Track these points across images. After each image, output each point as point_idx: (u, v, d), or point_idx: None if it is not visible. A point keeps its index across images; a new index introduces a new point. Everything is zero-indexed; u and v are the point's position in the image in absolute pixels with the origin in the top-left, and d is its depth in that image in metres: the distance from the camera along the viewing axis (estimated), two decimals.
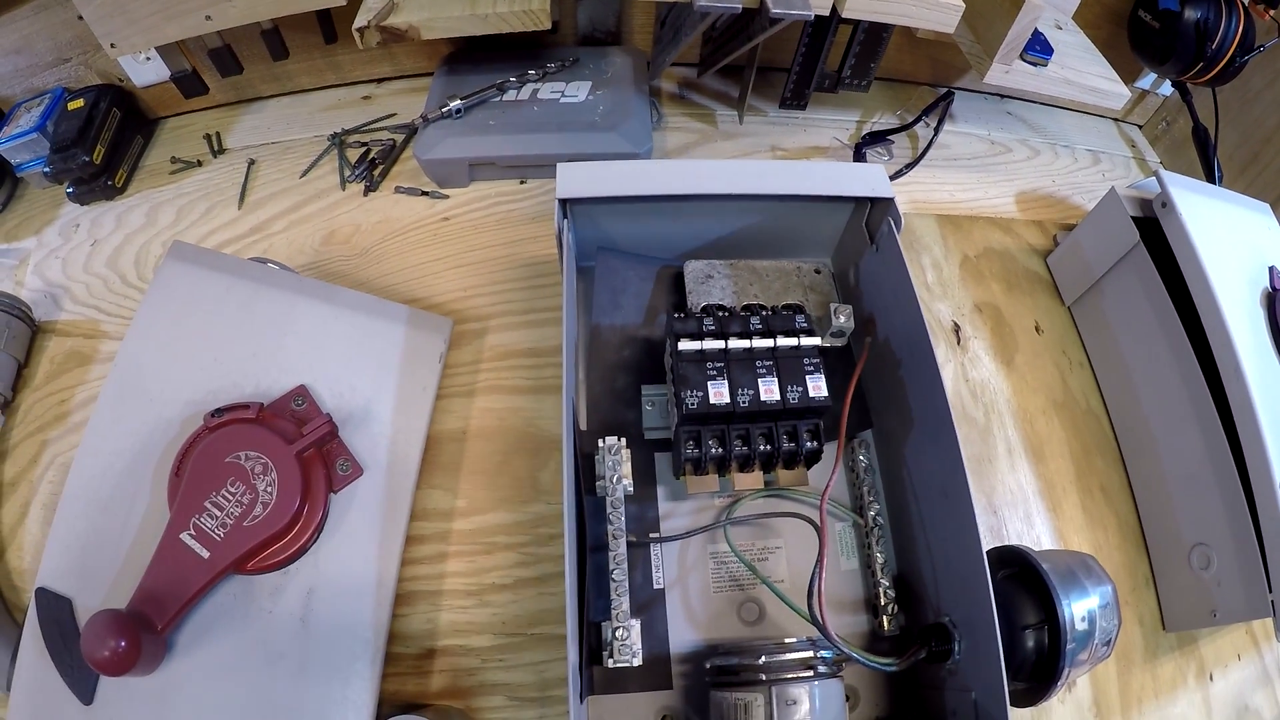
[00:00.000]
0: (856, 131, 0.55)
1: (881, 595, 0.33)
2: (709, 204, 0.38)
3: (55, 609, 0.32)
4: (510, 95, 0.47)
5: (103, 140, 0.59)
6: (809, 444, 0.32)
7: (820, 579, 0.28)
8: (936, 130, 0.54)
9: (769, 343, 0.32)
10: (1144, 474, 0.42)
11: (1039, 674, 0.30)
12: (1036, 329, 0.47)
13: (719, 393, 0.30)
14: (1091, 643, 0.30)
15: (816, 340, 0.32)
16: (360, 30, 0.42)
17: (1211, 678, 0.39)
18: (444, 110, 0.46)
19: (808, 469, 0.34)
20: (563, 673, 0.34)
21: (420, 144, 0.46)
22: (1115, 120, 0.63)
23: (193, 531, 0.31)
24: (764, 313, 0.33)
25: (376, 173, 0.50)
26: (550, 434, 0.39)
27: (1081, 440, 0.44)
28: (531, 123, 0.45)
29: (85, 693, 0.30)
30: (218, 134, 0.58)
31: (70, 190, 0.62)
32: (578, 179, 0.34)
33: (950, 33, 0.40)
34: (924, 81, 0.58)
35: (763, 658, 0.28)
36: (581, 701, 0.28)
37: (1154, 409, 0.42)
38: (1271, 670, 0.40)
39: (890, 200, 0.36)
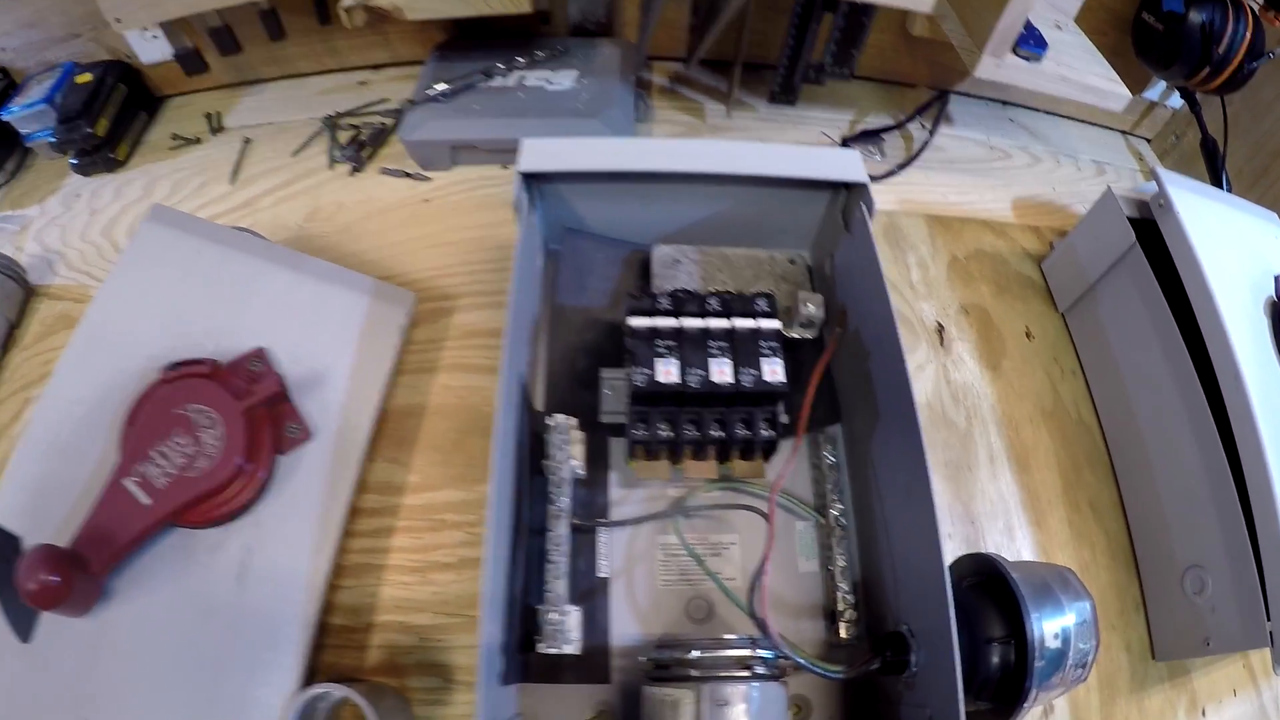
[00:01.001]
0: (849, 130, 0.53)
1: (840, 600, 0.31)
2: (680, 186, 0.36)
3: (2, 545, 0.32)
4: (498, 82, 0.47)
5: (106, 114, 0.60)
6: (765, 433, 0.30)
7: (765, 573, 0.25)
8: (932, 132, 0.52)
9: (725, 323, 0.30)
10: (1137, 490, 0.39)
11: (1003, 694, 0.27)
12: (1027, 334, 0.44)
13: (667, 371, 0.28)
14: (1065, 664, 0.27)
15: (776, 324, 0.30)
16: (348, 10, 0.42)
17: (1204, 713, 0.35)
18: (429, 93, 0.45)
19: (765, 461, 0.32)
20: None
21: (405, 126, 0.46)
22: (1123, 133, 0.60)
23: (137, 479, 0.31)
24: (725, 296, 0.32)
25: (364, 154, 0.49)
26: None
27: (1071, 452, 0.41)
28: (515, 108, 0.44)
29: (24, 630, 0.30)
30: (218, 113, 0.59)
31: (74, 161, 0.63)
32: (542, 153, 0.33)
33: (928, 12, 0.38)
34: (921, 83, 0.56)
35: (694, 652, 0.25)
36: (505, 684, 0.26)
37: (1149, 422, 0.38)
38: (1270, 709, 0.36)
39: (864, 186, 0.34)
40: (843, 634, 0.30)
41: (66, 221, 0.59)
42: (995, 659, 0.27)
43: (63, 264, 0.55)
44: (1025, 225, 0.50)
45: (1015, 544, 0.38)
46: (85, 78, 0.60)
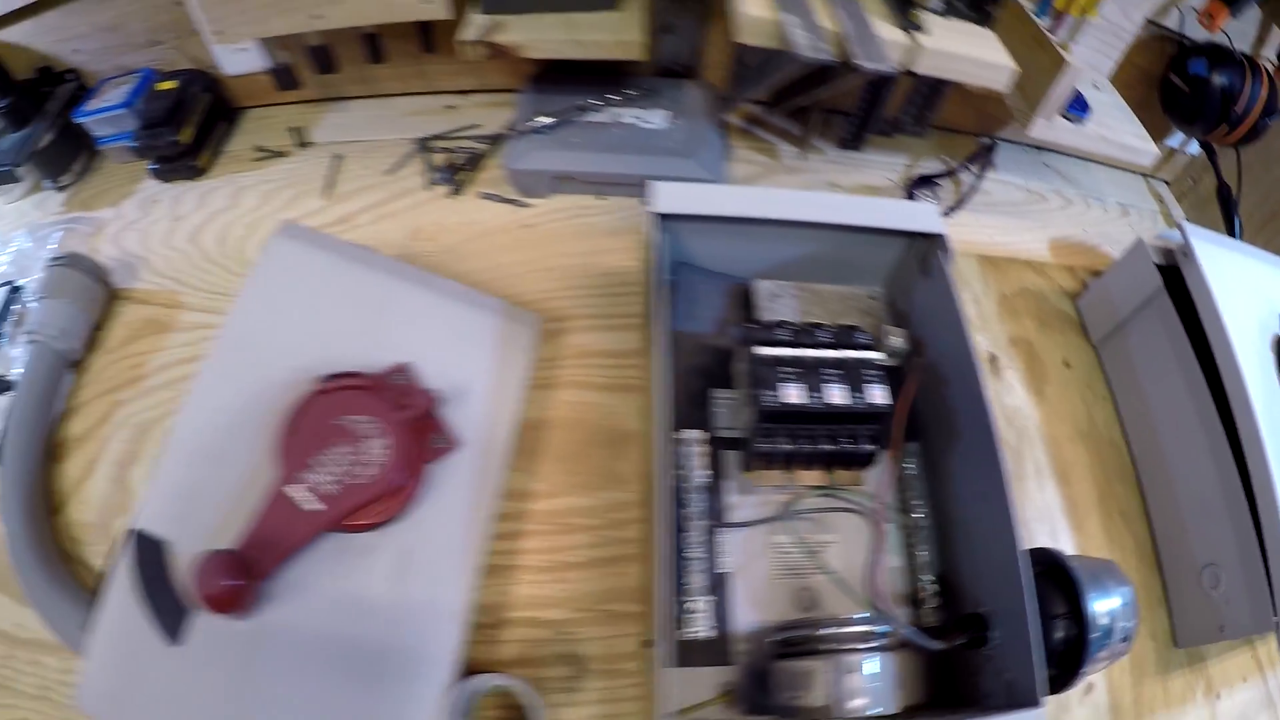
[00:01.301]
0: (904, 173, 0.62)
1: (923, 589, 0.39)
2: (781, 229, 0.44)
3: (151, 551, 0.35)
4: (593, 116, 0.54)
5: (190, 122, 0.66)
6: (867, 447, 0.38)
7: (879, 563, 0.34)
8: (979, 177, 0.62)
9: (836, 353, 0.38)
10: (1160, 500, 0.48)
11: (1064, 663, 0.36)
12: (1065, 364, 0.54)
13: (792, 393, 0.37)
14: (1113, 638, 0.36)
15: (881, 355, 0.39)
16: (467, 43, 0.49)
17: (1219, 696, 0.45)
18: (533, 125, 0.53)
19: (862, 471, 0.40)
20: (628, 648, 0.39)
21: (509, 154, 0.53)
22: (1144, 176, 0.71)
23: (301, 486, 0.35)
24: (830, 329, 0.40)
25: (461, 178, 0.56)
26: (625, 429, 0.44)
27: (1104, 467, 0.50)
28: (614, 143, 0.52)
29: (175, 633, 0.33)
30: (301, 128, 0.65)
31: (153, 167, 0.69)
32: (674, 196, 0.40)
33: (1001, 90, 0.47)
34: (969, 131, 0.66)
35: (824, 630, 0.33)
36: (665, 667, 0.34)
37: (1171, 441, 0.48)
38: (1274, 693, 0.46)
39: (942, 236, 0.42)
40: (926, 617, 0.39)
41: (146, 226, 0.64)
42: (1059, 633, 0.35)
43: (146, 269, 0.60)
44: (1061, 264, 0.60)
45: (1059, 544, 0.47)
46: (168, 85, 0.66)
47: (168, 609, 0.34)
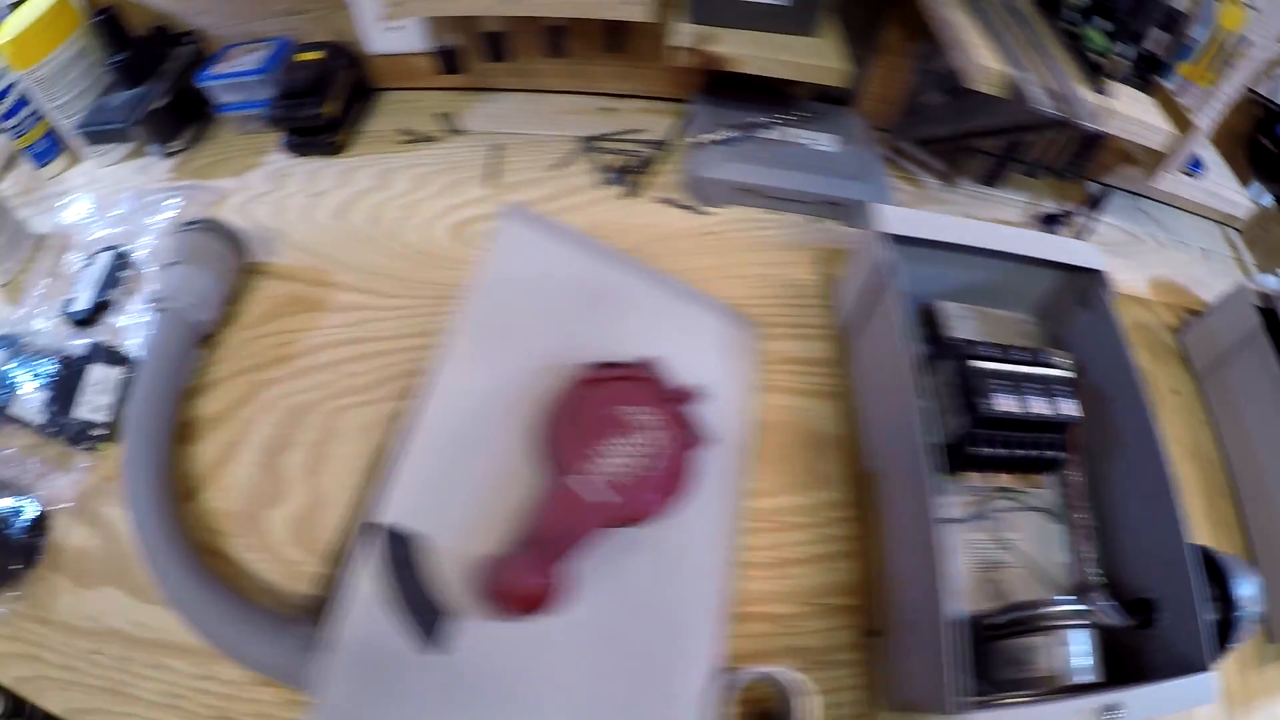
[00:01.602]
0: (1026, 210, 0.73)
1: (1091, 580, 0.49)
2: (962, 255, 0.54)
3: (402, 548, 0.34)
4: (768, 133, 0.62)
5: (336, 97, 0.70)
6: (1057, 454, 0.48)
7: (1084, 550, 0.43)
8: (1094, 219, 0.73)
9: (1032, 369, 0.48)
10: (1256, 512, 0.60)
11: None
12: (1174, 392, 0.65)
13: (1005, 403, 0.46)
14: (1251, 618, 0.46)
15: (1070, 373, 0.48)
16: (677, 48, 0.56)
17: None
18: (716, 136, 0.61)
19: (1044, 475, 0.50)
20: (845, 640, 0.45)
21: (694, 161, 0.60)
22: (1221, 223, 0.84)
23: (586, 478, 0.36)
24: (1018, 348, 0.49)
25: (634, 179, 0.63)
26: (825, 432, 0.52)
27: (1207, 484, 0.61)
28: (794, 161, 0.60)
29: (434, 639, 0.32)
30: (449, 115, 0.70)
31: (287, 140, 0.73)
32: (897, 219, 0.49)
33: (1158, 149, 0.58)
34: (1086, 177, 0.77)
35: (1042, 609, 0.42)
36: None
37: (1267, 462, 0.60)
38: None
39: (1102, 272, 0.53)
40: (1095, 603, 0.48)
41: (280, 200, 0.67)
42: (1213, 614, 0.45)
43: (284, 243, 0.63)
44: (1161, 302, 0.72)
45: None
46: (311, 56, 0.70)
47: (424, 611, 0.32)
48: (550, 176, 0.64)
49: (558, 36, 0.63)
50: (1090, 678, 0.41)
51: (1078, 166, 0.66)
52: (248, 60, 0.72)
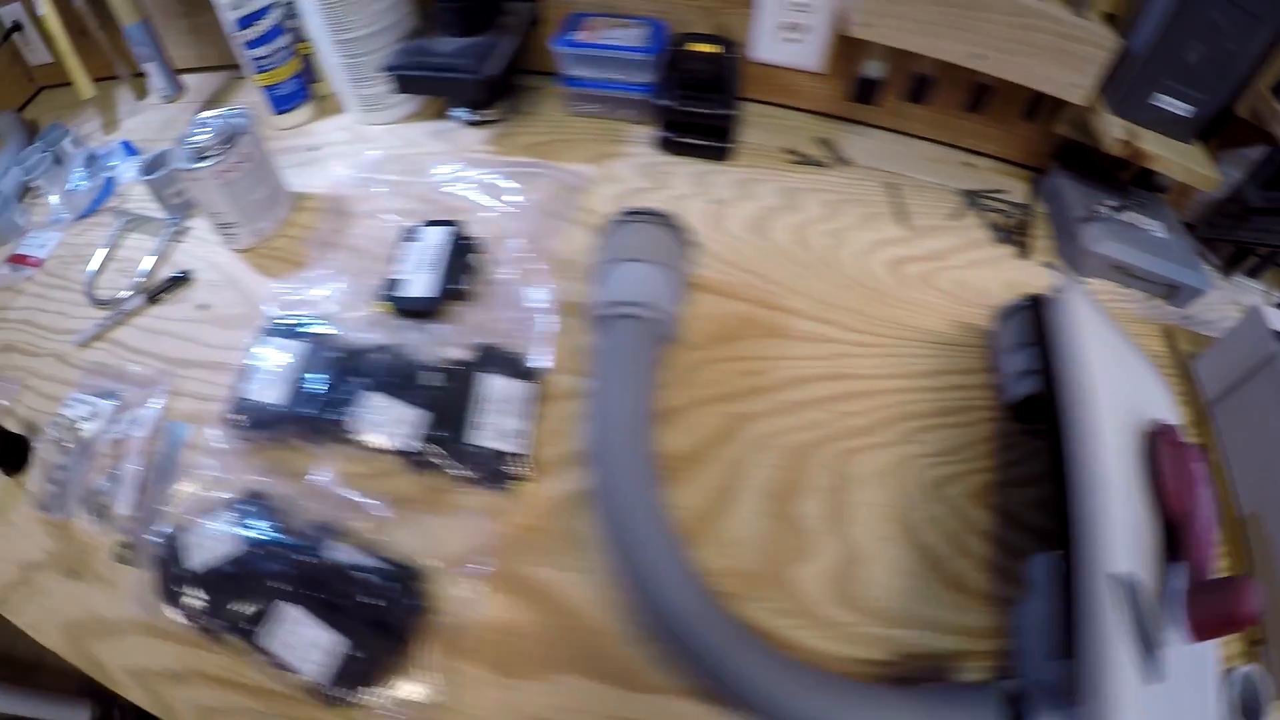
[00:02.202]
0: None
1: None
2: None
3: (1133, 594, 0.35)
4: (1120, 215, 0.71)
5: (734, 96, 0.66)
6: None
7: None
8: None
9: None
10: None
11: None
12: None
13: None
14: None
15: None
16: (1116, 140, 0.62)
17: None
18: (1095, 212, 0.68)
19: None
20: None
21: (1090, 235, 0.67)
22: None
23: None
24: None
25: (1020, 240, 0.68)
26: None
27: None
28: (1145, 243, 0.69)
29: (1157, 668, 0.33)
30: (830, 142, 0.70)
31: (666, 134, 0.68)
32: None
33: None
34: None
35: None
36: None
37: None
38: None
39: None
40: None
41: (673, 201, 0.64)
42: None
43: (708, 255, 0.59)
44: None
45: None
46: (705, 48, 0.66)
47: (1151, 646, 0.34)
48: (950, 226, 0.67)
49: (926, 85, 0.66)
50: None
51: None
52: (620, 36, 0.66)
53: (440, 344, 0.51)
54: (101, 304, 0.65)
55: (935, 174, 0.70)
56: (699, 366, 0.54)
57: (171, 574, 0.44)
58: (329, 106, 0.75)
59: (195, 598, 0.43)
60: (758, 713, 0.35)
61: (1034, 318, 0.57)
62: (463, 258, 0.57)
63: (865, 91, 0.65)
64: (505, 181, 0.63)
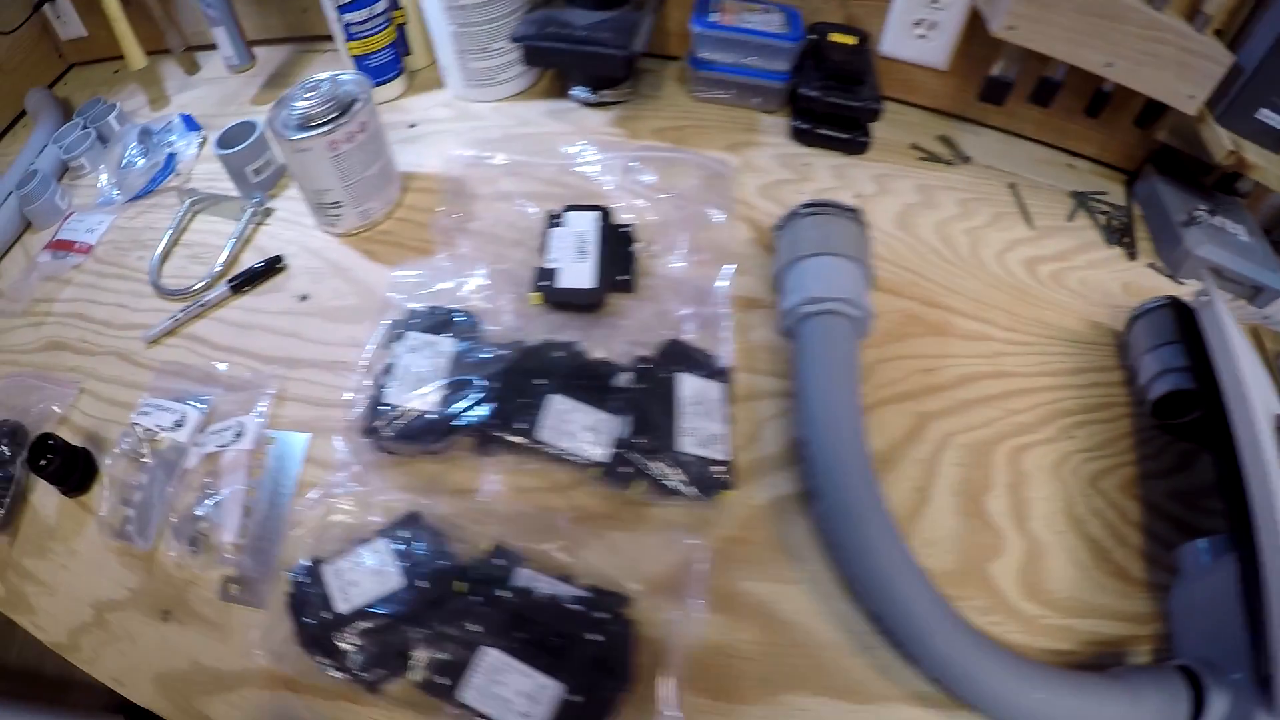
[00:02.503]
0: None
1: None
2: None
3: None
4: (1210, 219, 0.74)
5: (876, 89, 0.66)
6: None
7: None
8: None
9: None
10: None
11: None
12: None
13: None
14: None
15: None
16: (1226, 152, 0.64)
17: None
18: (1195, 215, 0.70)
19: None
20: None
21: (1193, 238, 0.69)
22: None
23: None
24: None
25: (1128, 242, 0.70)
26: None
27: None
28: (1235, 247, 0.72)
29: None
30: (951, 139, 0.70)
31: (801, 124, 0.67)
32: None
33: None
34: None
35: None
36: None
37: None
38: None
39: None
40: None
41: (820, 194, 0.62)
42: None
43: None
44: None
45: None
46: (845, 39, 0.65)
47: None
48: (1069, 228, 0.68)
49: (1050, 88, 0.66)
50: None
51: None
52: (757, 20, 0.64)
53: (620, 340, 0.47)
54: (171, 294, 0.59)
55: (1045, 174, 0.71)
56: (877, 365, 0.54)
57: (315, 615, 0.38)
58: (423, 81, 0.69)
59: (349, 643, 0.37)
60: (988, 711, 0.36)
61: (1169, 318, 0.58)
62: (619, 246, 0.53)
63: (994, 91, 0.65)
64: (644, 167, 0.59)
